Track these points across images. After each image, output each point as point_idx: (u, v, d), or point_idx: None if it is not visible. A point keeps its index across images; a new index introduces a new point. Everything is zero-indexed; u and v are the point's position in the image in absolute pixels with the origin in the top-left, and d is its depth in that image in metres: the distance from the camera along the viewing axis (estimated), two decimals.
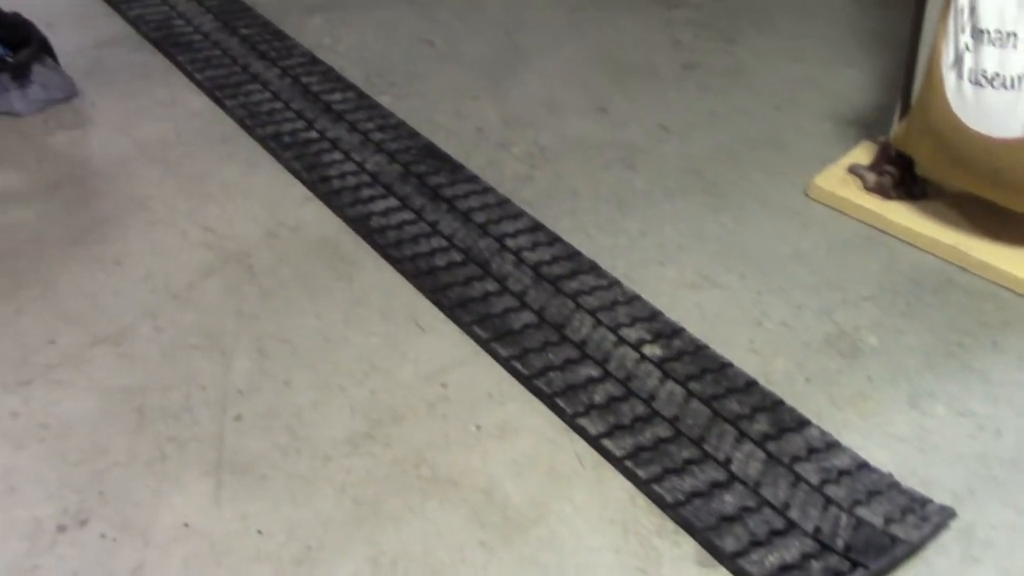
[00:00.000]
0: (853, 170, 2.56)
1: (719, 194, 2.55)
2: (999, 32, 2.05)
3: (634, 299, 2.16)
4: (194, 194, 2.44)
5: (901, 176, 2.46)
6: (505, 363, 1.99)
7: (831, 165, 2.61)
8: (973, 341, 2.11)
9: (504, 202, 2.44)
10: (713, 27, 3.39)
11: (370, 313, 2.11)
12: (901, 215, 2.42)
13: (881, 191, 2.48)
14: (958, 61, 2.13)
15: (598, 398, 1.90)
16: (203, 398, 1.88)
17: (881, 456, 1.82)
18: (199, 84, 2.85)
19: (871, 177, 2.51)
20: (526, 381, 1.95)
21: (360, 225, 2.33)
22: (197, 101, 2.80)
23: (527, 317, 2.09)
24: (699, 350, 2.03)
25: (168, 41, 3.05)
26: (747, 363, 2.02)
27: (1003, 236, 2.32)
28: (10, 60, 2.66)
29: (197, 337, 2.02)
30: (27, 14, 2.87)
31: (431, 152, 2.61)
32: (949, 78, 2.15)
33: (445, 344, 2.04)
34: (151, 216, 2.36)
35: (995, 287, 2.25)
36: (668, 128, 2.82)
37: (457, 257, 2.24)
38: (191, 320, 2.07)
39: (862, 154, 2.63)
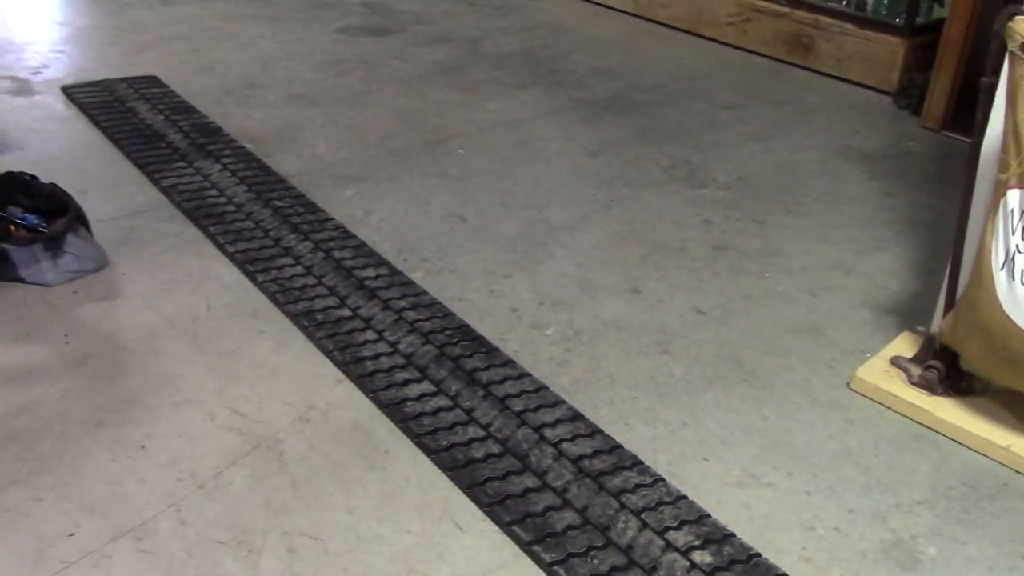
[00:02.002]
0: (896, 363, 2.50)
1: (760, 384, 2.49)
2: None
3: (680, 499, 2.06)
4: (223, 373, 2.38)
5: (947, 371, 2.41)
6: (548, 568, 1.88)
7: (872, 356, 2.56)
8: None
9: (541, 388, 2.37)
10: (742, 207, 3.41)
11: (405, 508, 2.01)
12: (949, 412, 2.35)
13: (927, 386, 2.42)
14: (1009, 262, 2.10)
15: None
16: None
17: None
18: (231, 257, 2.83)
19: (915, 371, 2.45)
20: None
21: (394, 411, 2.26)
22: (228, 274, 2.77)
23: (570, 517, 1.99)
24: (751, 558, 1.93)
25: (200, 211, 3.05)
26: (802, 574, 1.92)
27: None
28: (44, 230, 2.65)
29: (223, 532, 1.92)
30: (61, 181, 2.88)
31: (466, 333, 2.56)
32: (1000, 279, 2.12)
33: (484, 545, 1.94)
34: (178, 396, 2.29)
35: None
36: (703, 311, 2.78)
37: (495, 448, 2.16)
38: (217, 512, 1.97)
39: (903, 345, 2.59)
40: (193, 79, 4.21)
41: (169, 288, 2.69)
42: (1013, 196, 2.09)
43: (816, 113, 4.36)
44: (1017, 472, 2.22)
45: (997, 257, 2.14)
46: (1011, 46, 2.06)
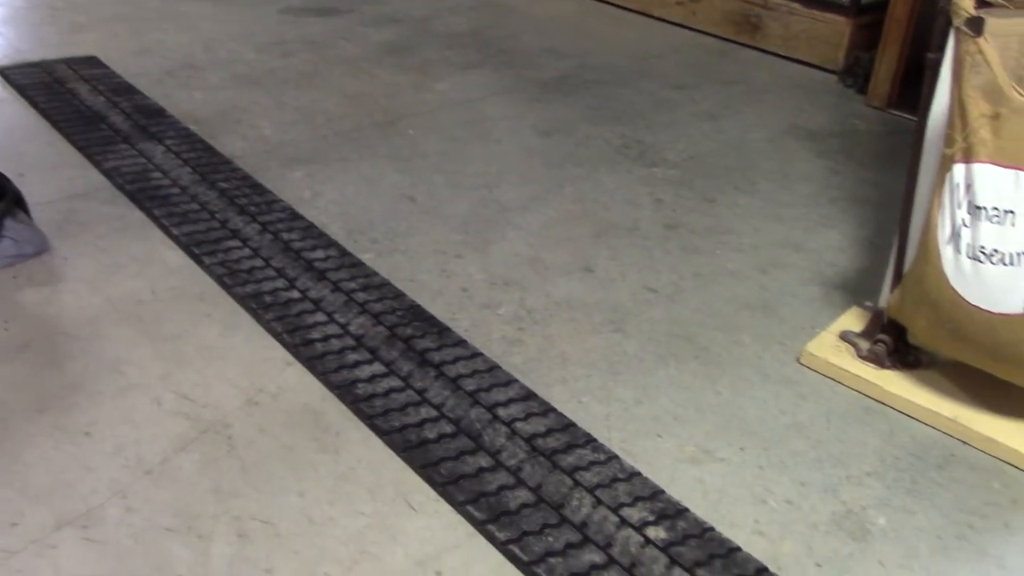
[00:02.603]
0: (845, 337, 2.53)
1: (712, 361, 2.49)
2: (996, 209, 2.05)
3: (634, 475, 2.06)
4: (169, 357, 2.33)
5: (895, 344, 2.44)
6: (502, 547, 1.87)
7: (822, 331, 2.58)
8: (984, 523, 2.04)
9: (494, 368, 2.36)
10: (692, 186, 3.42)
11: (357, 490, 1.99)
12: (898, 385, 2.38)
13: (875, 360, 2.44)
14: (955, 236, 2.12)
15: None
16: None
17: None
18: (176, 239, 2.77)
19: (864, 345, 2.48)
20: (526, 568, 1.83)
21: (345, 392, 2.23)
22: (174, 257, 2.72)
23: (524, 495, 1.98)
24: (705, 532, 1.93)
25: (144, 194, 2.98)
26: (755, 546, 1.93)
27: (1003, 409, 2.28)
28: None
29: (172, 518, 1.89)
30: None
31: (417, 314, 2.54)
32: (946, 252, 2.15)
33: (438, 525, 1.92)
34: (123, 381, 2.24)
35: (999, 463, 2.20)
36: (655, 290, 2.78)
37: (448, 428, 2.15)
38: (165, 499, 1.93)
39: (852, 320, 2.61)
40: (133, 60, 4.11)
41: (112, 272, 2.63)
42: (959, 171, 2.11)
43: (765, 92, 4.38)
44: (963, 442, 2.26)
45: (943, 231, 2.16)
46: (956, 22, 2.08)
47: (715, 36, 5.05)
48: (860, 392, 2.41)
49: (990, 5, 2.09)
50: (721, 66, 4.70)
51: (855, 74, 4.42)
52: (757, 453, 2.19)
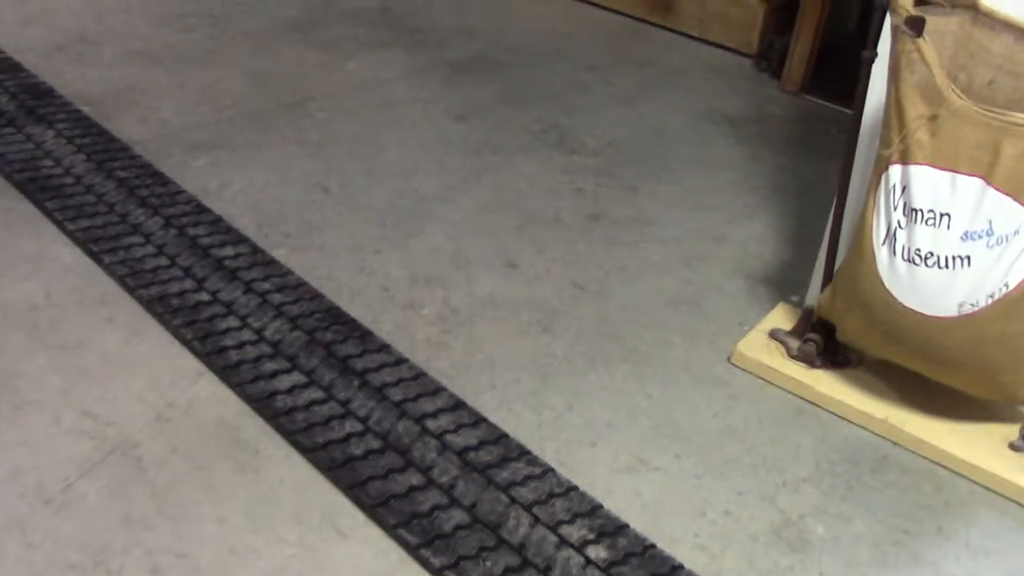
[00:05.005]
0: (775, 336, 2.50)
1: (642, 362, 2.44)
2: (932, 212, 2.03)
3: (571, 489, 1.99)
4: (68, 369, 2.16)
5: (824, 343, 2.42)
6: (438, 574, 1.78)
7: (750, 329, 2.55)
8: (918, 528, 2.03)
9: (420, 375, 2.25)
10: (613, 175, 3.35)
11: (281, 515, 1.87)
12: (829, 386, 2.36)
13: (806, 359, 2.42)
14: (890, 237, 2.10)
15: None
16: None
17: None
18: (71, 235, 2.58)
19: (794, 344, 2.45)
20: None
21: (263, 405, 2.10)
22: (69, 255, 2.52)
23: (458, 516, 1.89)
24: (646, 550, 1.87)
25: (34, 184, 2.76)
26: (697, 562, 1.88)
27: (934, 410, 2.29)
28: None
29: (76, 553, 1.74)
30: None
31: (336, 316, 2.41)
32: (881, 254, 2.12)
33: (369, 552, 1.82)
34: (17, 397, 2.06)
35: (930, 464, 2.20)
36: (581, 286, 2.71)
37: (375, 443, 2.04)
38: (69, 531, 1.78)
39: (780, 316, 2.59)
40: (18, 32, 3.83)
41: (1, 273, 2.43)
42: (895, 172, 2.08)
43: (679, 76, 4.33)
44: (895, 443, 2.25)
45: (878, 232, 2.13)
46: (896, 20, 2.04)
47: (626, 15, 4.97)
48: (791, 392, 2.39)
49: (927, 3, 2.05)
50: (634, 47, 4.63)
51: (769, 58, 4.41)
52: (693, 461, 2.15)
